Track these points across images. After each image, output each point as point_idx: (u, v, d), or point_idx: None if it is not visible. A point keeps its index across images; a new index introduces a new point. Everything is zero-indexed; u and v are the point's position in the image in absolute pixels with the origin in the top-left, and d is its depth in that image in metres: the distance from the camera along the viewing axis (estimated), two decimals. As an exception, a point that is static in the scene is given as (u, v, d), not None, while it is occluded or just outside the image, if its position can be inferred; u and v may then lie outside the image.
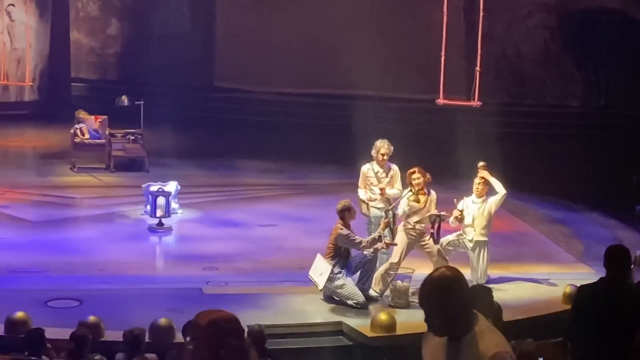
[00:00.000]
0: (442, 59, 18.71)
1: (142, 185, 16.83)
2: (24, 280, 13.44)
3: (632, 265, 8.42)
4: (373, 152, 13.81)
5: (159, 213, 16.18)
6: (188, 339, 6.30)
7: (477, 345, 4.78)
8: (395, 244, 13.08)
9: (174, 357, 9.79)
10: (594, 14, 26.84)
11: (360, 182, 13.94)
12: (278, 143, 22.88)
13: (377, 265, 13.11)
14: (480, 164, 13.75)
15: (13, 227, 16.22)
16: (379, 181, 13.72)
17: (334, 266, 12.58)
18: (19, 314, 11.16)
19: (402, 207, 13.12)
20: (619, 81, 26.91)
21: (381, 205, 13.58)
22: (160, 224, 16.25)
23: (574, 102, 27.58)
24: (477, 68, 18.44)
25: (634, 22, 26.87)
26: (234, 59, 28.00)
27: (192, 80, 27.75)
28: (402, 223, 13.23)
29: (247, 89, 27.83)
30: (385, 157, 13.72)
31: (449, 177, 17.02)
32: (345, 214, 12.78)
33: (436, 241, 13.33)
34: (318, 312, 12.59)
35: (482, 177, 13.63)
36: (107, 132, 20.92)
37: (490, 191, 13.70)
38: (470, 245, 13.62)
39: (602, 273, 8.28)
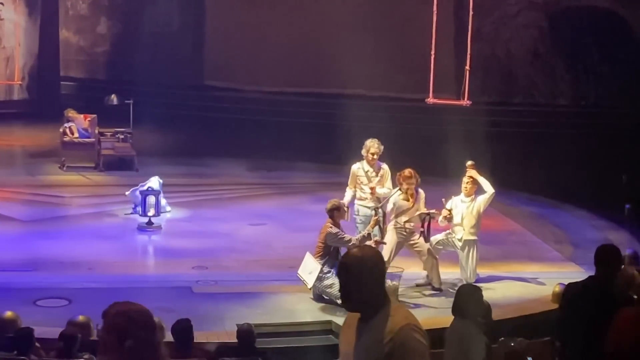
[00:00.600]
0: (432, 58, 18.78)
1: (127, 193, 16.84)
2: (13, 279, 13.42)
3: (622, 265, 8.44)
4: (363, 152, 13.82)
5: (150, 212, 16.16)
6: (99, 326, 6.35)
7: (386, 322, 4.91)
8: (384, 243, 13.10)
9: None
10: (583, 14, 26.88)
11: (350, 182, 13.94)
12: (268, 142, 22.86)
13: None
14: (469, 163, 13.78)
15: (2, 226, 16.19)
16: (369, 180, 13.72)
17: (323, 265, 12.59)
18: (8, 313, 11.10)
19: (390, 202, 13.14)
20: (608, 80, 26.97)
21: (371, 204, 13.58)
22: (149, 222, 16.23)
23: (563, 101, 27.63)
24: (467, 67, 18.51)
25: (622, 21, 26.93)
26: (224, 58, 27.97)
27: (182, 79, 27.72)
28: (392, 222, 13.25)
29: (237, 88, 27.81)
30: (375, 156, 13.72)
31: (438, 176, 17.04)
32: (335, 213, 12.79)
33: (427, 239, 13.36)
34: (308, 311, 12.60)
35: (471, 177, 13.65)
36: (96, 131, 20.88)
37: (478, 190, 13.73)
38: (460, 244, 13.64)
39: (592, 272, 8.31)
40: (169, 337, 10.44)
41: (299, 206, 17.84)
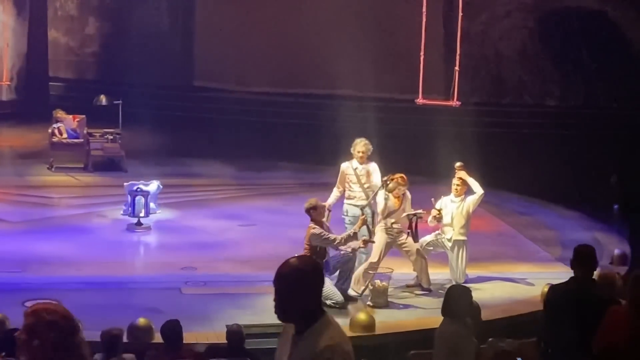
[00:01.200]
0: (421, 58, 18.77)
1: (125, 184, 16.78)
2: (1, 280, 13.38)
3: (598, 264, 8.55)
4: (352, 150, 13.84)
5: (139, 213, 16.15)
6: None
7: (315, 338, 4.78)
8: (373, 242, 13.10)
9: (153, 357, 9.77)
10: (572, 14, 26.94)
11: (339, 180, 13.95)
12: (257, 142, 22.84)
13: (356, 265, 13.11)
14: (458, 164, 13.79)
15: (-10, 227, 16.16)
16: (358, 179, 13.73)
17: (311, 266, 12.55)
18: (-4, 315, 11.09)
19: (380, 202, 13.15)
20: (597, 81, 27.02)
21: (359, 203, 13.57)
22: (139, 223, 16.21)
23: (552, 101, 27.68)
24: (456, 68, 18.50)
25: (611, 22, 26.99)
26: (213, 58, 27.93)
27: (171, 79, 27.68)
28: (381, 223, 13.24)
29: (226, 89, 27.78)
30: (362, 155, 13.72)
31: (427, 177, 17.06)
32: (312, 213, 12.76)
33: (415, 239, 13.37)
34: (297, 312, 12.57)
35: (460, 178, 13.66)
36: (85, 132, 20.84)
37: (468, 190, 13.74)
38: (449, 244, 13.65)
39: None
40: (158, 338, 10.44)
41: (288, 207, 17.80)
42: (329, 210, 13.68)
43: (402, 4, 25.41)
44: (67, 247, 15.15)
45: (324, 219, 13.49)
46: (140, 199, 16.21)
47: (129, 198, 16.31)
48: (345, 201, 13.86)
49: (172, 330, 9.62)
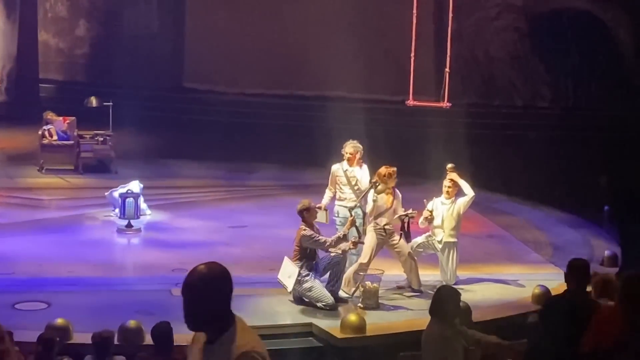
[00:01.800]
0: (412, 60, 18.75)
1: (106, 194, 16.80)
2: (-8, 282, 13.36)
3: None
4: (342, 152, 13.85)
5: (128, 214, 16.14)
6: None
7: (230, 345, 4.73)
8: (362, 242, 13.10)
9: (143, 359, 9.75)
10: (562, 16, 26.99)
11: (330, 182, 13.96)
12: (248, 144, 22.83)
13: (347, 266, 13.11)
14: (449, 166, 13.80)
15: (-20, 229, 16.12)
16: (348, 180, 13.73)
17: (301, 268, 12.57)
18: (-14, 317, 11.07)
19: (370, 201, 13.14)
20: (587, 82, 27.08)
21: (350, 204, 13.57)
22: (129, 225, 16.19)
23: (543, 103, 27.73)
24: (447, 69, 18.49)
25: (601, 23, 27.04)
26: (203, 60, 27.92)
27: (162, 81, 27.66)
28: (372, 224, 13.23)
29: (217, 90, 27.77)
30: (351, 156, 13.73)
31: (418, 178, 17.07)
32: (305, 214, 12.77)
33: (407, 240, 13.36)
34: (288, 314, 12.59)
35: (452, 180, 13.67)
36: (75, 134, 20.79)
37: (459, 192, 13.75)
38: (440, 246, 13.65)
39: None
40: (148, 340, 10.42)
41: (279, 208, 17.80)
42: (326, 210, 13.71)
43: (393, 5, 25.42)
44: (57, 249, 15.13)
45: (324, 220, 13.51)
46: (130, 201, 16.19)
47: (119, 200, 16.29)
48: (336, 202, 13.87)
49: (163, 332, 9.59)
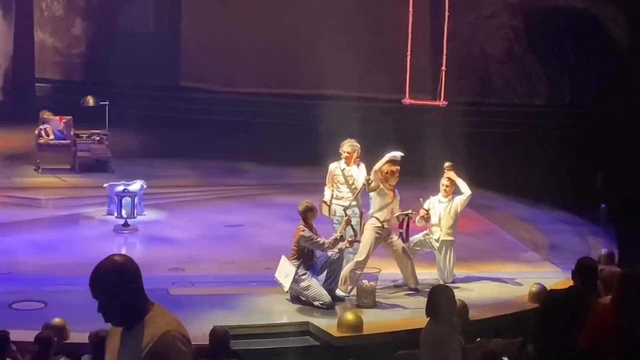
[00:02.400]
0: (408, 58, 18.74)
1: (105, 185, 16.76)
2: (-12, 282, 13.35)
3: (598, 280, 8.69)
4: (340, 151, 13.85)
5: (124, 213, 16.12)
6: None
7: (148, 329, 4.74)
8: (358, 241, 13.10)
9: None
10: (558, 14, 27.00)
11: (328, 181, 13.96)
12: (244, 143, 22.82)
13: (344, 264, 13.10)
14: (446, 164, 13.81)
15: (-23, 229, 16.11)
16: (345, 179, 13.73)
17: (298, 267, 12.57)
18: (-17, 317, 11.07)
19: (372, 199, 13.15)
20: (583, 80, 27.08)
21: (346, 203, 13.57)
22: (125, 224, 16.19)
23: (539, 101, 27.74)
24: (443, 68, 18.49)
25: (598, 21, 27.06)
26: (200, 59, 27.90)
27: (158, 80, 27.62)
28: (370, 221, 13.22)
29: (213, 89, 27.75)
30: (348, 155, 13.73)
31: (415, 177, 17.04)
32: (308, 215, 12.76)
33: (405, 240, 13.36)
34: (285, 313, 12.59)
35: (449, 178, 13.67)
36: (72, 133, 20.76)
37: (456, 190, 13.76)
38: (437, 244, 13.66)
39: (567, 272, 8.39)
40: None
41: (276, 207, 17.81)
42: (329, 205, 13.72)
43: (389, 4, 25.40)
44: (53, 249, 15.12)
45: (328, 214, 13.53)
46: (127, 200, 16.18)
47: (116, 199, 16.29)
48: (334, 201, 13.86)
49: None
